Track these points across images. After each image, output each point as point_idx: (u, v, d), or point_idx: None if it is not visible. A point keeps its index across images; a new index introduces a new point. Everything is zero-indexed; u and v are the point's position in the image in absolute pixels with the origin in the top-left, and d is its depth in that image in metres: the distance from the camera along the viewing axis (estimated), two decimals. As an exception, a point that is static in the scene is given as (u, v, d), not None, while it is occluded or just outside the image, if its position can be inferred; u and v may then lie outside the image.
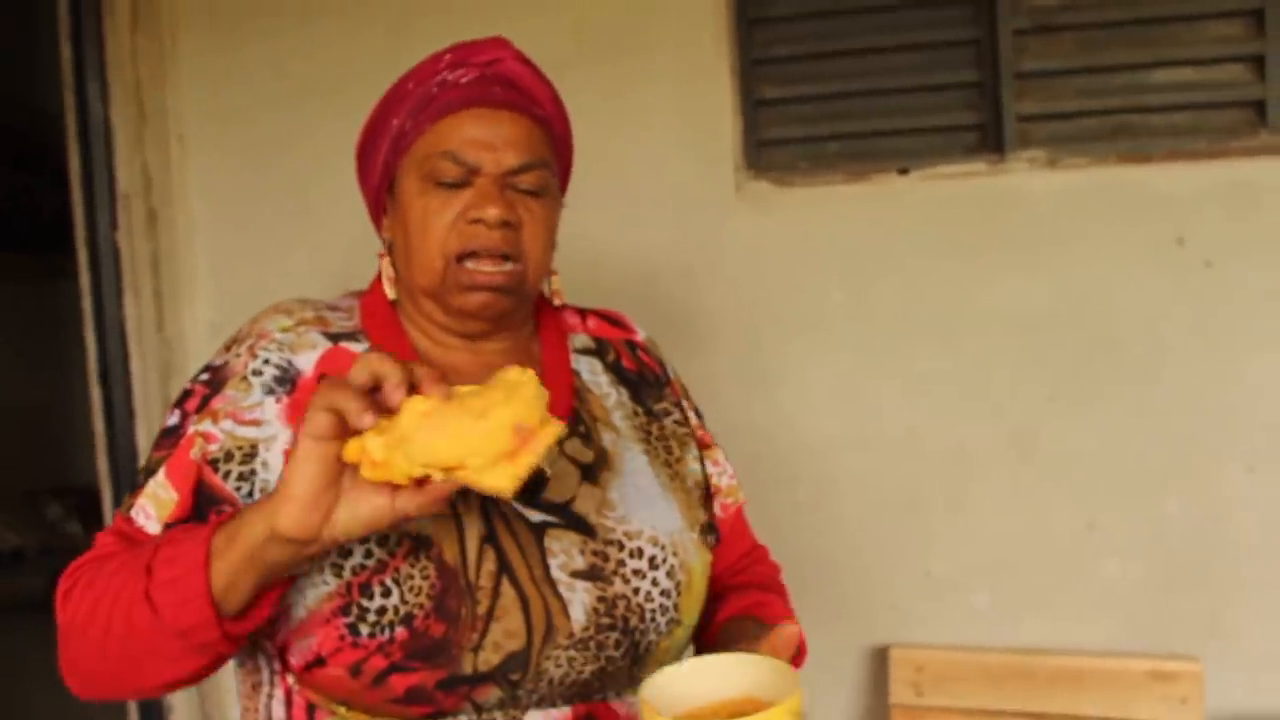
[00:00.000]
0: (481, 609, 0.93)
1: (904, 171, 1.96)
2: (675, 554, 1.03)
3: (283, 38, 2.14)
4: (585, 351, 1.16)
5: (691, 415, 1.19)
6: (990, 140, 1.94)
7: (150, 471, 0.99)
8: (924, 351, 1.97)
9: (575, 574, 0.98)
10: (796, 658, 1.02)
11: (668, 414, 1.15)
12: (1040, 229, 1.92)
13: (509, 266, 1.02)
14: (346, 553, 0.93)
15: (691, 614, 1.05)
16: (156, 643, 0.84)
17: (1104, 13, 1.90)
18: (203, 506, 0.97)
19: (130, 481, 2.06)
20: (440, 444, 0.77)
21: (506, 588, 0.95)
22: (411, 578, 0.93)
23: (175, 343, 2.17)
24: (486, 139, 1.02)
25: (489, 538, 0.96)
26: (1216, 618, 1.91)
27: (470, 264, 1.01)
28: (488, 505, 0.98)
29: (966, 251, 1.94)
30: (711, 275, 2.02)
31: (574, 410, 1.09)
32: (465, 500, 0.97)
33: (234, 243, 2.19)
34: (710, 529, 1.11)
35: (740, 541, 1.20)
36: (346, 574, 0.93)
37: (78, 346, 2.20)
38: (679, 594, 1.03)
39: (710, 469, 1.17)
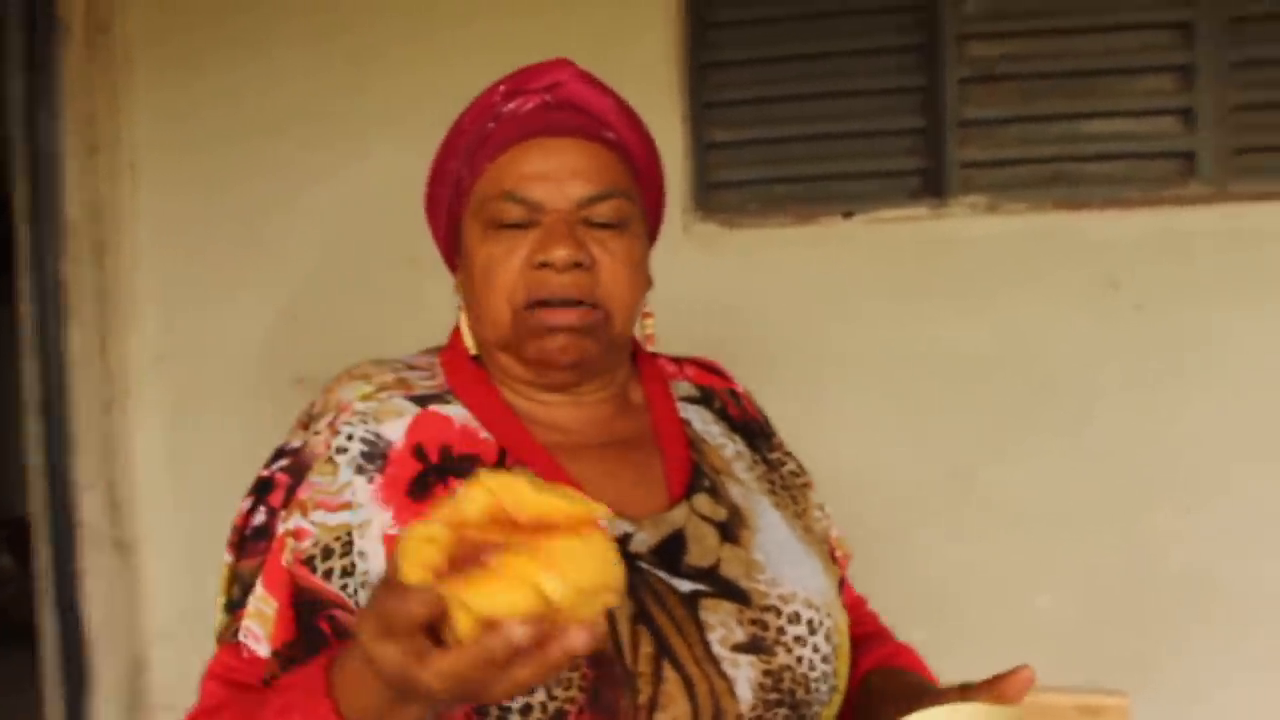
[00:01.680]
0: (643, 698, 0.82)
1: (848, 215, 2.00)
2: (830, 615, 0.93)
3: (240, 70, 2.15)
4: (691, 400, 1.05)
5: (801, 465, 1.09)
6: (933, 185, 1.98)
7: (246, 586, 0.89)
8: (867, 392, 1.99)
9: (737, 648, 0.87)
10: None
11: (783, 463, 1.06)
12: (980, 272, 1.96)
13: (584, 309, 0.91)
14: None
15: (844, 678, 0.94)
16: None
17: (1043, 64, 1.97)
18: (304, 614, 0.86)
19: (69, 517, 2.04)
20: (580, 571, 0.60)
21: (669, 671, 0.83)
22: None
23: (118, 374, 2.15)
24: (549, 171, 0.92)
25: (641, 616, 0.85)
26: (1146, 654, 1.94)
27: (541, 311, 0.91)
28: (635, 579, 0.87)
29: (909, 294, 1.98)
30: (659, 314, 2.03)
31: (694, 463, 0.98)
32: None
33: (183, 274, 2.18)
34: (841, 586, 1.03)
35: (850, 590, 1.12)
36: None
37: (11, 374, 2.18)
38: (837, 658, 0.93)
39: (825, 521, 1.07)
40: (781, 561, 0.93)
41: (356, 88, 2.12)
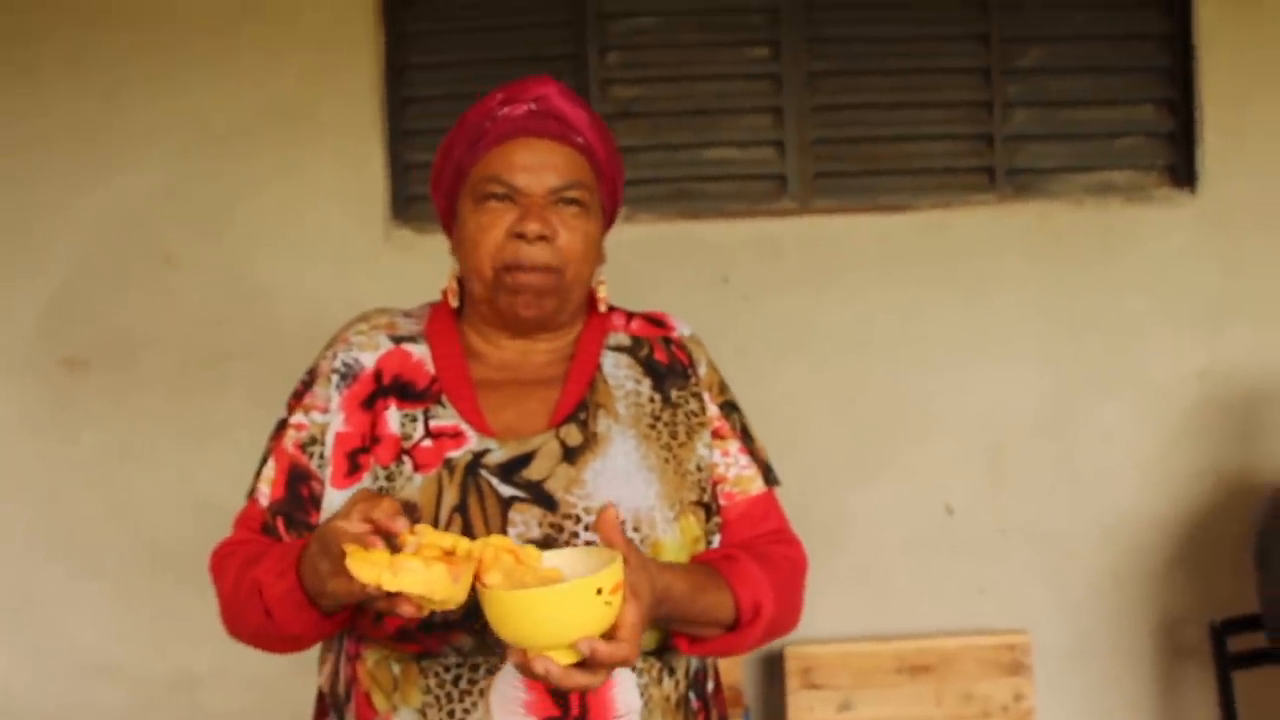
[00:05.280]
0: None
1: (520, 223, 2.48)
2: (636, 529, 1.12)
3: (7, 97, 2.49)
4: (619, 348, 1.24)
5: (711, 408, 1.24)
6: (585, 200, 2.48)
7: (265, 458, 1.21)
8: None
9: (529, 541, 1.07)
10: (755, 621, 1.14)
11: (686, 403, 1.22)
12: (620, 271, 2.43)
13: (546, 273, 1.15)
14: None
15: None
16: (282, 634, 1.11)
17: (668, 104, 2.49)
18: (293, 482, 1.19)
19: None
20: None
21: None
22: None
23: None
24: (530, 164, 1.15)
25: (459, 507, 1.11)
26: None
27: (514, 273, 1.14)
28: (468, 480, 1.12)
29: (567, 286, 2.46)
30: (366, 303, 2.44)
31: (582, 399, 1.19)
32: (450, 473, 1.13)
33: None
34: (703, 507, 1.19)
35: (756, 525, 1.24)
36: None
37: None
38: None
39: (718, 458, 1.23)
40: (607, 482, 1.14)
41: (112, 114, 2.49)
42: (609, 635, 0.94)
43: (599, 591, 0.91)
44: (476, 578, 0.96)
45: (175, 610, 2.47)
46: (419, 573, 0.91)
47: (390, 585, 0.91)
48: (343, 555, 0.93)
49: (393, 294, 2.51)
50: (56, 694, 2.52)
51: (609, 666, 0.96)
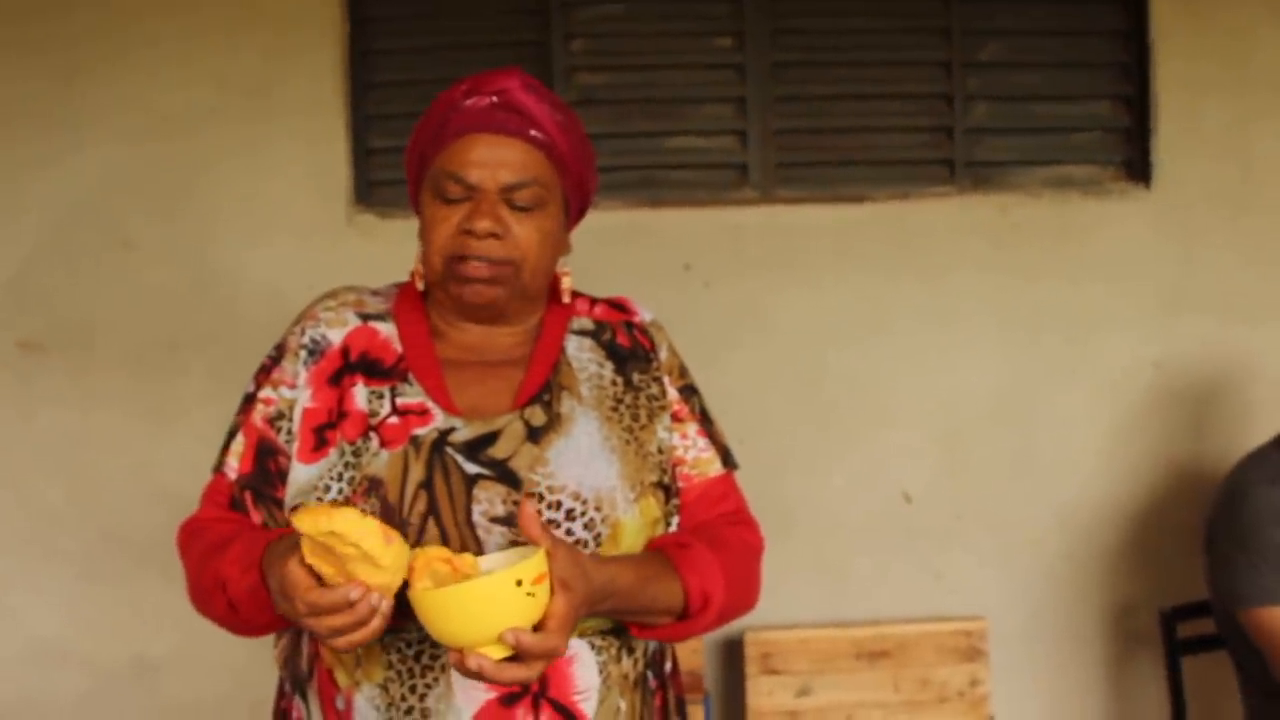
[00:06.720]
0: (410, 543, 1.05)
1: (483, 209, 2.48)
2: (598, 509, 1.13)
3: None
4: (582, 332, 1.27)
5: (672, 391, 1.27)
6: (549, 187, 2.48)
7: (233, 432, 1.22)
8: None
9: (494, 519, 1.11)
10: (705, 610, 1.16)
11: (647, 386, 1.25)
12: (586, 258, 2.45)
13: (495, 264, 1.15)
14: (326, 489, 1.14)
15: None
16: (248, 625, 1.15)
17: (632, 92, 2.50)
18: (261, 456, 1.20)
19: None
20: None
21: (431, 527, 1.10)
22: (364, 512, 1.03)
23: None
24: (486, 160, 1.15)
25: (425, 484, 1.12)
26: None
27: (463, 263, 1.15)
28: (434, 457, 1.14)
29: (530, 273, 2.46)
30: (328, 285, 2.45)
31: (546, 380, 1.21)
32: (417, 450, 1.14)
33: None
34: (663, 488, 1.21)
35: (714, 506, 1.27)
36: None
37: None
38: (597, 545, 1.12)
39: (677, 440, 1.25)
40: (570, 462, 1.15)
41: (70, 95, 2.46)
42: (538, 627, 0.97)
43: (519, 583, 0.93)
44: (409, 584, 0.98)
45: (135, 595, 2.46)
46: (356, 520, 0.93)
47: (326, 525, 0.92)
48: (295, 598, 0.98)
49: (355, 278, 2.47)
50: (14, 681, 2.50)
51: (539, 658, 0.98)
